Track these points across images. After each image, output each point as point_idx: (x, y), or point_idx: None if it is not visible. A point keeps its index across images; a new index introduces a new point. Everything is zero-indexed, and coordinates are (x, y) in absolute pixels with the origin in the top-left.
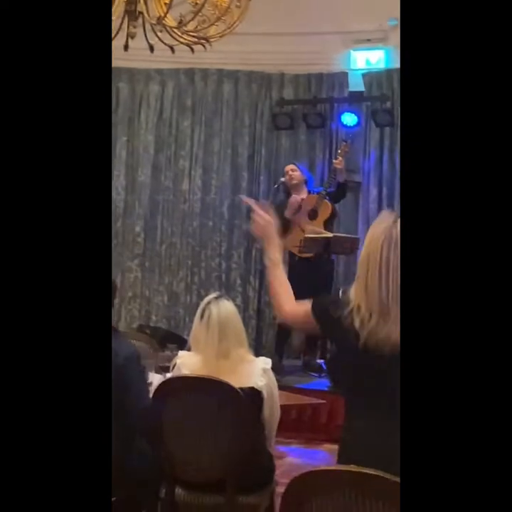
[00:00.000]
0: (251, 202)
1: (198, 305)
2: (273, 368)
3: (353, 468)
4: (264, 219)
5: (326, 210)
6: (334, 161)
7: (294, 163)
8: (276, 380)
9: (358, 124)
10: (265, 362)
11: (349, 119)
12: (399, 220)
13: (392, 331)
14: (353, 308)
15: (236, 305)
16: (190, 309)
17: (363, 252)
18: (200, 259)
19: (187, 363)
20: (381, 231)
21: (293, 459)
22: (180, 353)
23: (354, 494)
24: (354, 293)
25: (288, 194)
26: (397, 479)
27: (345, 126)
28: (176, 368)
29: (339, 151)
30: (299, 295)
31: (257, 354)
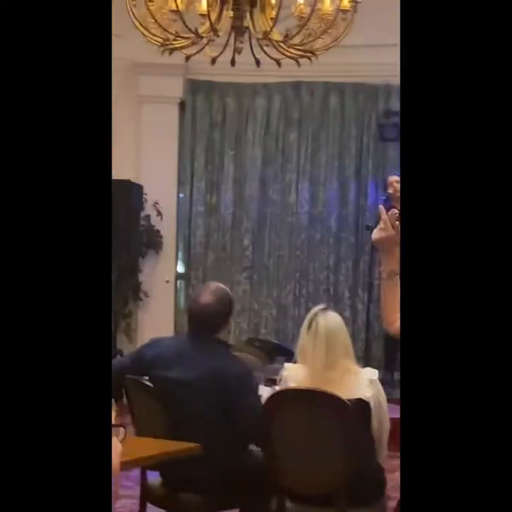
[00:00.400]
0: (382, 211)
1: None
2: (384, 381)
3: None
4: (387, 231)
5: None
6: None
7: (399, 174)
8: (388, 393)
9: None
10: (372, 373)
11: None
12: None
13: None
14: None
15: (344, 317)
16: (299, 322)
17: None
18: (308, 272)
19: (293, 375)
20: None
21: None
22: (287, 365)
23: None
24: None
25: (391, 206)
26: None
27: None
28: (282, 380)
29: None
30: None
31: (366, 367)
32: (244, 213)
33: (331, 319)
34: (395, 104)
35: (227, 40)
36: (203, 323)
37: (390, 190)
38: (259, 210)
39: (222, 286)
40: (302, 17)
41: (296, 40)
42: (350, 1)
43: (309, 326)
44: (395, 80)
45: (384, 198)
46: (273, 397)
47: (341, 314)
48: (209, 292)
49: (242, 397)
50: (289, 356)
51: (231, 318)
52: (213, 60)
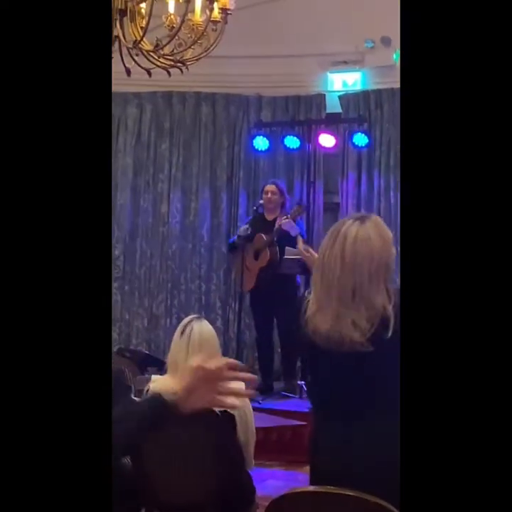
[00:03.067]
0: (300, 246)
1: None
2: (259, 390)
3: (330, 489)
4: (313, 255)
5: (264, 258)
6: (283, 219)
7: (275, 183)
8: (259, 402)
9: (336, 145)
10: (239, 385)
11: (327, 140)
12: (357, 221)
13: (325, 320)
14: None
15: (216, 328)
16: (171, 332)
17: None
18: (179, 282)
19: (160, 387)
20: (330, 231)
21: (275, 482)
22: (154, 377)
23: None
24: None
25: (263, 217)
26: (373, 498)
27: (323, 147)
28: (149, 392)
29: (290, 213)
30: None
31: None
32: (116, 223)
33: (206, 327)
34: (266, 115)
35: None
36: None
37: (262, 201)
38: (131, 220)
39: None
40: (173, 27)
41: (167, 50)
42: (220, 12)
43: (182, 332)
44: (266, 91)
45: (255, 208)
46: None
47: (213, 324)
48: None
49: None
50: (160, 366)
51: None
52: None
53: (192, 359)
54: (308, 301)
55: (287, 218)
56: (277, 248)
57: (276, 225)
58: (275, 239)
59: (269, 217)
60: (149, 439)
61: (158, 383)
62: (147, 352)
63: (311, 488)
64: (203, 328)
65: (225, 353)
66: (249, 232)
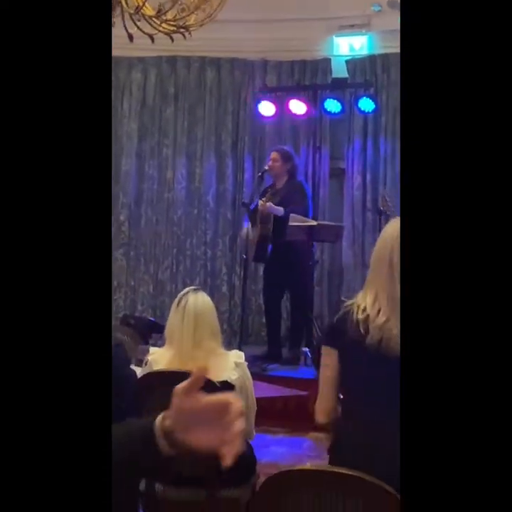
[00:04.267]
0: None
1: None
2: (267, 357)
3: (327, 467)
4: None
5: (256, 232)
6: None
7: (277, 149)
8: (264, 369)
9: (342, 110)
10: (238, 356)
11: (333, 105)
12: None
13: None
14: (358, 309)
15: (221, 293)
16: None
17: (372, 255)
18: (185, 248)
19: (158, 359)
20: (389, 233)
21: (279, 448)
22: (152, 349)
23: (330, 493)
24: (362, 296)
25: (274, 185)
26: (376, 481)
27: (329, 112)
28: (148, 364)
29: (265, 198)
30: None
31: (244, 342)
32: (121, 189)
33: (201, 299)
34: (272, 80)
35: None
36: None
37: (267, 167)
38: (136, 186)
39: None
40: None
41: (170, 15)
42: None
43: (179, 303)
44: (271, 55)
45: (260, 174)
46: (141, 380)
47: (219, 290)
48: None
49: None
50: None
51: None
52: None
53: (187, 331)
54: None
55: (264, 203)
56: (271, 224)
57: (259, 212)
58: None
59: (279, 184)
60: (146, 409)
61: (156, 355)
62: (152, 319)
63: (308, 466)
64: (198, 300)
65: (230, 319)
66: (253, 202)
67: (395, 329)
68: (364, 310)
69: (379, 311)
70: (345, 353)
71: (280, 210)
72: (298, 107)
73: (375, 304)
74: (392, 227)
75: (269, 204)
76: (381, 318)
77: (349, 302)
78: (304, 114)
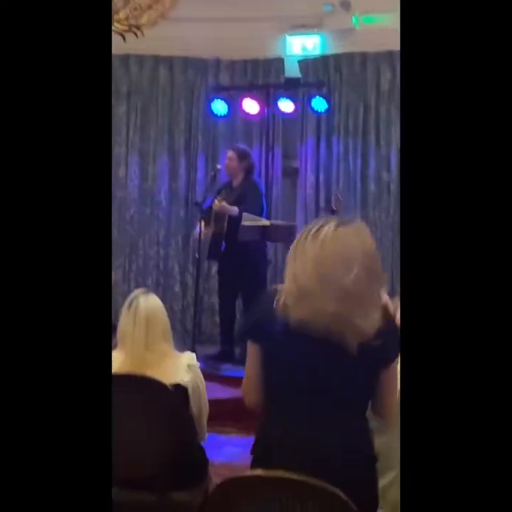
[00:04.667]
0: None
1: None
2: (220, 357)
3: (281, 473)
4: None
5: (209, 230)
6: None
7: (233, 148)
8: (217, 368)
9: (295, 110)
10: (190, 358)
11: (285, 105)
12: (332, 222)
13: (316, 309)
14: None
15: (174, 293)
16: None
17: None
18: (137, 247)
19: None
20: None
21: (233, 448)
22: None
23: (284, 499)
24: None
25: (230, 184)
26: (325, 485)
27: (282, 112)
28: None
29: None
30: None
31: (197, 341)
32: None
33: (152, 301)
34: (225, 79)
35: None
36: None
37: (219, 166)
38: None
39: None
40: None
41: (122, 15)
42: None
43: (129, 306)
44: (224, 54)
45: (213, 173)
46: None
47: (171, 289)
48: None
49: None
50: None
51: None
52: None
53: (138, 334)
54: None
55: (218, 202)
56: (225, 223)
57: (213, 211)
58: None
59: (235, 183)
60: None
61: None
62: None
63: (260, 472)
64: (149, 302)
65: (183, 319)
66: (207, 200)
67: (303, 312)
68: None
69: (295, 297)
70: (268, 344)
71: (234, 210)
72: (251, 106)
73: (289, 291)
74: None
75: (223, 203)
76: (293, 303)
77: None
78: (257, 114)
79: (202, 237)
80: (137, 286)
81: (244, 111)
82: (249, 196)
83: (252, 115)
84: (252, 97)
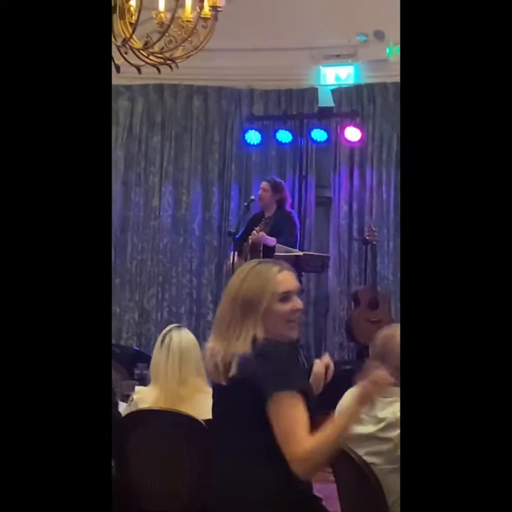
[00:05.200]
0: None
1: (169, 322)
2: None
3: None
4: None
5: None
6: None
7: (268, 179)
8: None
9: (328, 139)
10: None
11: (319, 134)
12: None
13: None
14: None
15: (207, 321)
16: (161, 326)
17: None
18: (170, 276)
19: (144, 398)
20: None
21: None
22: (138, 388)
23: None
24: None
25: (262, 215)
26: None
27: (315, 141)
28: (133, 403)
29: (258, 227)
30: None
31: None
32: None
33: (185, 336)
34: (259, 109)
35: None
36: None
37: (253, 197)
38: (121, 213)
39: None
40: (162, 23)
41: (157, 48)
42: (210, 9)
43: (162, 341)
44: (258, 84)
45: (246, 204)
46: (126, 418)
47: (203, 318)
48: None
49: None
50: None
51: None
52: None
53: (171, 369)
54: None
55: (257, 233)
56: (260, 254)
57: (250, 241)
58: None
59: (267, 214)
60: (132, 447)
61: (141, 394)
62: (136, 348)
63: None
64: (182, 337)
65: None
66: (240, 231)
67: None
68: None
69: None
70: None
71: (273, 241)
72: (285, 135)
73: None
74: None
75: (262, 234)
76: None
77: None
78: (290, 143)
79: (235, 267)
80: (170, 315)
81: (277, 140)
82: (284, 228)
83: (286, 144)
84: (286, 127)
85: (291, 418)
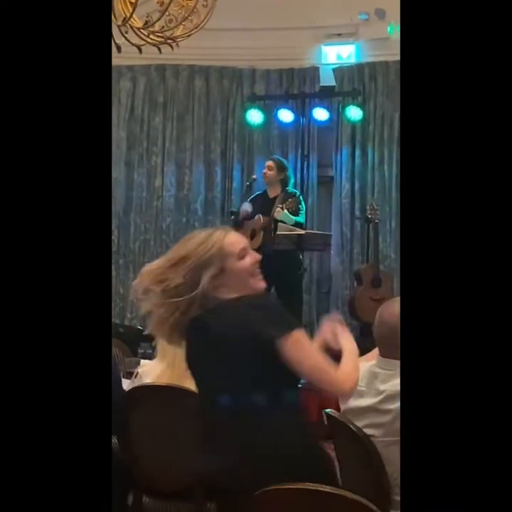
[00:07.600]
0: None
1: None
2: None
3: (309, 486)
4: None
5: (257, 241)
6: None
7: (273, 158)
8: None
9: (330, 118)
10: None
11: (321, 113)
12: None
13: None
14: None
15: None
16: None
17: None
18: None
19: (148, 371)
20: None
21: None
22: (143, 361)
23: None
24: None
25: (266, 195)
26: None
27: (317, 121)
28: (138, 377)
29: (285, 204)
30: None
31: None
32: None
33: None
34: (260, 88)
35: None
36: None
37: (255, 176)
38: (124, 194)
39: None
40: (162, 2)
41: (157, 27)
42: None
43: None
44: (260, 64)
45: (248, 183)
46: (129, 394)
47: None
48: None
49: None
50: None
51: None
52: None
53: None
54: None
55: (281, 209)
56: (272, 233)
57: (271, 215)
58: (272, 226)
59: (271, 194)
60: (135, 423)
61: (146, 368)
62: (140, 327)
63: (290, 485)
64: None
65: None
66: (249, 211)
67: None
68: None
69: None
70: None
71: (291, 219)
72: (286, 115)
73: None
74: None
75: (284, 211)
76: None
77: None
78: (292, 122)
79: None
80: None
81: (279, 120)
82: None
83: (288, 124)
84: (287, 106)
85: (312, 353)
